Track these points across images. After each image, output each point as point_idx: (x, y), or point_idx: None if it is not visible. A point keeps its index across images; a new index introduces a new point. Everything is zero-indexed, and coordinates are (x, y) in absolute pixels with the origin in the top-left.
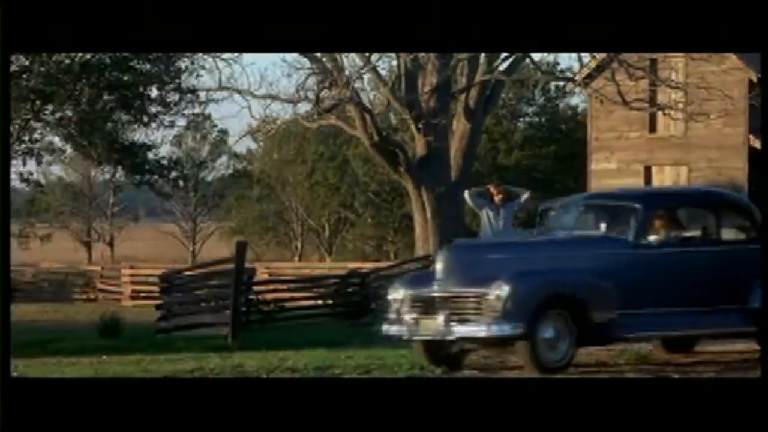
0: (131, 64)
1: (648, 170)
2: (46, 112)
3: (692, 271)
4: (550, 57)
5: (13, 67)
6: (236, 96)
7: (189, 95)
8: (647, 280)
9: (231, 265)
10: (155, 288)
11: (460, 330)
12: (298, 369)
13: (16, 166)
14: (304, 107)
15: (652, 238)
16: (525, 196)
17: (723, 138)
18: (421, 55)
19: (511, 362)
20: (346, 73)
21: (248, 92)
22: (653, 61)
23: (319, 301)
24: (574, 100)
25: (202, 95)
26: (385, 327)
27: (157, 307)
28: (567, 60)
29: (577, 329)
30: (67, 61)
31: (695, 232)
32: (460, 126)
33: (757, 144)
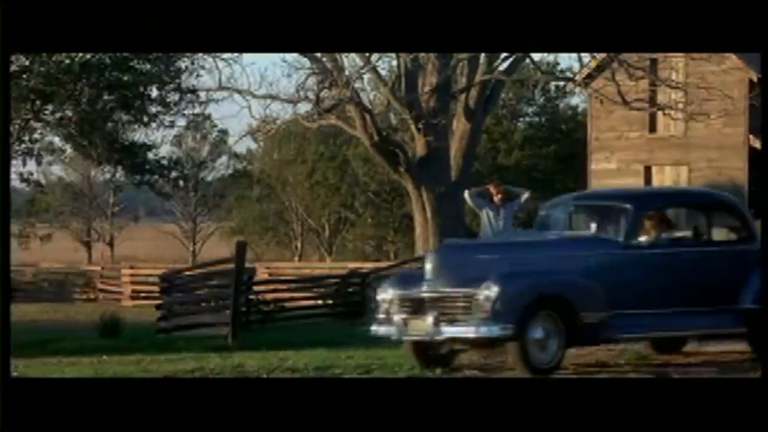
0: (131, 64)
1: (648, 170)
2: (46, 112)
3: (682, 272)
4: (550, 57)
5: (13, 67)
6: (236, 96)
7: (189, 95)
8: (637, 280)
9: (231, 265)
10: (155, 288)
11: (449, 330)
12: (299, 369)
13: (17, 166)
14: (304, 107)
15: (642, 238)
16: (525, 196)
17: (723, 138)
18: (421, 55)
19: (510, 362)
20: (346, 73)
21: (248, 92)
22: (653, 61)
23: (320, 301)
24: (574, 100)
25: (202, 95)
26: (374, 327)
27: (157, 307)
28: (567, 60)
29: (567, 330)
30: (67, 61)
31: (685, 233)
32: (460, 126)
33: (757, 144)
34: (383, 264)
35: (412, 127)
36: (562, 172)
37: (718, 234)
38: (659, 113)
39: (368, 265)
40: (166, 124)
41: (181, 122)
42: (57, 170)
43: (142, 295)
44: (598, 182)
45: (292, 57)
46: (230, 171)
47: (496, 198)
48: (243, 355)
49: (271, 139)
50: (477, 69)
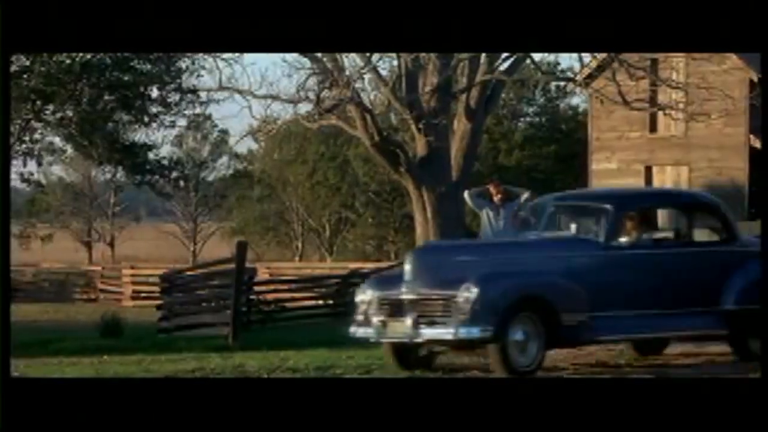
0: (132, 64)
1: (649, 170)
2: (47, 112)
3: (664, 273)
4: (550, 57)
5: (13, 67)
6: (237, 96)
7: (189, 95)
8: (618, 281)
9: (232, 265)
10: (156, 288)
11: (428, 332)
12: (299, 369)
13: (17, 166)
14: (304, 107)
15: (623, 239)
16: (525, 196)
17: (724, 138)
18: (422, 55)
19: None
20: (347, 73)
21: (249, 92)
22: (654, 61)
23: (320, 302)
24: (575, 100)
25: (203, 95)
26: (352, 329)
27: (158, 307)
28: (568, 60)
29: (547, 331)
30: (68, 61)
31: (667, 234)
32: (460, 126)
33: (757, 144)
34: (384, 264)
35: (413, 127)
36: (562, 172)
37: (700, 235)
38: (660, 113)
39: (369, 265)
40: (167, 124)
41: (182, 122)
42: (58, 170)
43: (143, 295)
44: (598, 182)
45: (292, 57)
46: (231, 171)
47: (496, 198)
48: (244, 355)
49: (272, 140)
50: (478, 69)
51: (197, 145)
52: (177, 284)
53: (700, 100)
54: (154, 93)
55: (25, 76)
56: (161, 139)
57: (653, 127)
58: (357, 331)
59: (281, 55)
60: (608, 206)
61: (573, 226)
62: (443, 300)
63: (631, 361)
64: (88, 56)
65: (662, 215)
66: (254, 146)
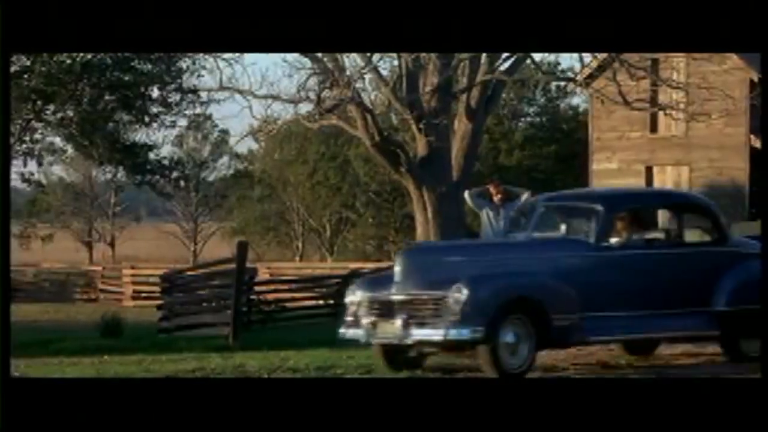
0: (132, 64)
1: (649, 170)
2: (48, 112)
3: (654, 274)
4: (551, 57)
5: (14, 67)
6: (237, 96)
7: (190, 95)
8: (609, 282)
9: (232, 265)
10: (156, 288)
11: (418, 333)
12: (300, 369)
13: (18, 167)
14: (305, 107)
15: (613, 240)
16: (525, 195)
17: (724, 138)
18: (423, 55)
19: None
20: (348, 73)
21: (249, 92)
22: (654, 61)
23: (321, 302)
24: (575, 100)
25: (203, 95)
26: (342, 330)
27: (159, 307)
28: (568, 60)
29: (538, 333)
30: (69, 61)
31: (658, 234)
32: (461, 126)
33: (758, 144)
34: (384, 264)
35: (413, 127)
36: (562, 172)
37: (691, 235)
38: (660, 113)
39: (369, 265)
40: (168, 124)
41: (183, 122)
42: (58, 170)
43: (144, 295)
44: (599, 182)
45: (293, 57)
46: (231, 171)
47: (496, 198)
48: (244, 355)
49: (273, 140)
50: (478, 69)
51: (198, 145)
52: (177, 284)
53: (701, 100)
54: (155, 93)
55: (25, 76)
56: (162, 139)
57: (654, 127)
58: (347, 332)
59: (282, 55)
60: (599, 207)
61: (563, 227)
62: (433, 301)
63: (631, 361)
64: (89, 56)
65: (653, 216)
66: (255, 146)
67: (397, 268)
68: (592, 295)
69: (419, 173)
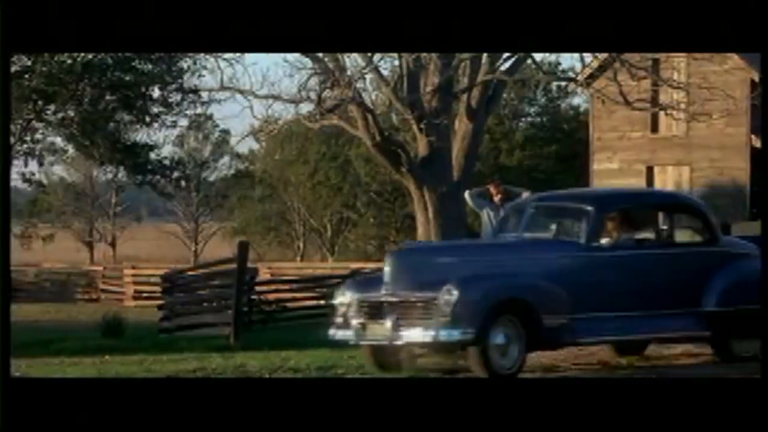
0: (133, 64)
1: (650, 170)
2: (48, 112)
3: (645, 274)
4: (552, 57)
5: (15, 67)
6: (238, 96)
7: (191, 95)
8: (599, 283)
9: (233, 265)
10: (157, 288)
11: (408, 335)
12: (301, 369)
13: (18, 167)
14: (306, 107)
15: (604, 240)
16: (525, 195)
17: (725, 138)
18: (423, 55)
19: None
20: (348, 73)
21: (250, 92)
22: (655, 61)
23: (322, 302)
24: (576, 100)
25: (204, 95)
26: (331, 331)
27: (160, 307)
28: (569, 60)
29: (528, 334)
30: (69, 61)
31: (648, 234)
32: (462, 126)
33: (759, 144)
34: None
35: (414, 127)
36: (563, 172)
37: (681, 236)
38: (661, 113)
39: (370, 265)
40: (168, 124)
41: (183, 122)
42: (59, 170)
43: (145, 295)
44: (600, 182)
45: (293, 57)
46: (232, 171)
47: (496, 198)
48: (245, 355)
49: (273, 140)
50: (479, 69)
51: (199, 145)
52: (178, 284)
53: (702, 100)
54: (156, 93)
55: (26, 76)
56: (163, 139)
57: (655, 127)
58: (336, 333)
59: (282, 55)
60: (589, 207)
61: (554, 228)
62: (423, 302)
63: (632, 362)
64: (90, 56)
65: (643, 216)
66: (256, 146)
67: (386, 269)
68: (582, 295)
69: (420, 173)
